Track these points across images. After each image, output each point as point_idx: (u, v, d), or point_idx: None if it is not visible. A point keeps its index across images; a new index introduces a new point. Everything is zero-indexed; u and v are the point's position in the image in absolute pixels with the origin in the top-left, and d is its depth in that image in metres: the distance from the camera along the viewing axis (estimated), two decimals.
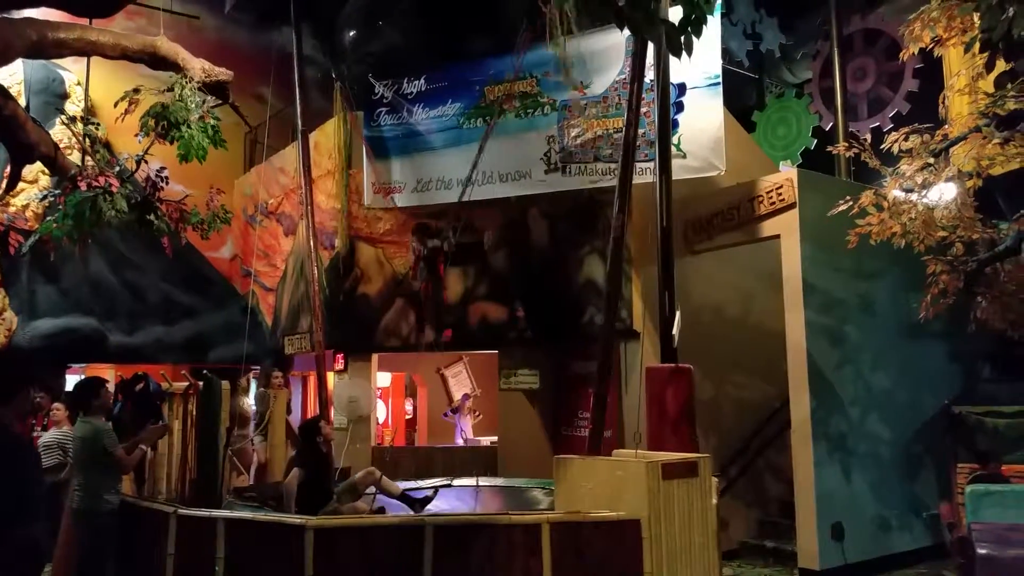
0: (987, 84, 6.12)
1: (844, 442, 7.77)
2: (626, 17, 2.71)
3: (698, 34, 2.90)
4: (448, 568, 4.59)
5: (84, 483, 5.32)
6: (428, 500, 6.64)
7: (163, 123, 6.78)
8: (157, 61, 7.21)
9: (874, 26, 11.43)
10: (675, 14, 4.85)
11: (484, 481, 8.04)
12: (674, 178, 7.23)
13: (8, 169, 7.86)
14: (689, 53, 2.93)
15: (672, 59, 7.07)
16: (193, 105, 6.98)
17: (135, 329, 11.33)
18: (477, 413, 11.76)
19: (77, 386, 5.74)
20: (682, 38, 2.82)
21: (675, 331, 6.62)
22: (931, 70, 9.80)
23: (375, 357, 10.26)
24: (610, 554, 4.66)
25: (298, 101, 9.12)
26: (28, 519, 2.82)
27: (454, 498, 7.62)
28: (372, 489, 6.78)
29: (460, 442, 11.10)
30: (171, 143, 7.09)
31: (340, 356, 10.16)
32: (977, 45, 3.40)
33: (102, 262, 11.27)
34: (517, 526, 4.69)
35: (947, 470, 8.17)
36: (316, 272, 8.89)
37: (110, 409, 5.95)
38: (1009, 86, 5.23)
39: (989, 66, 3.53)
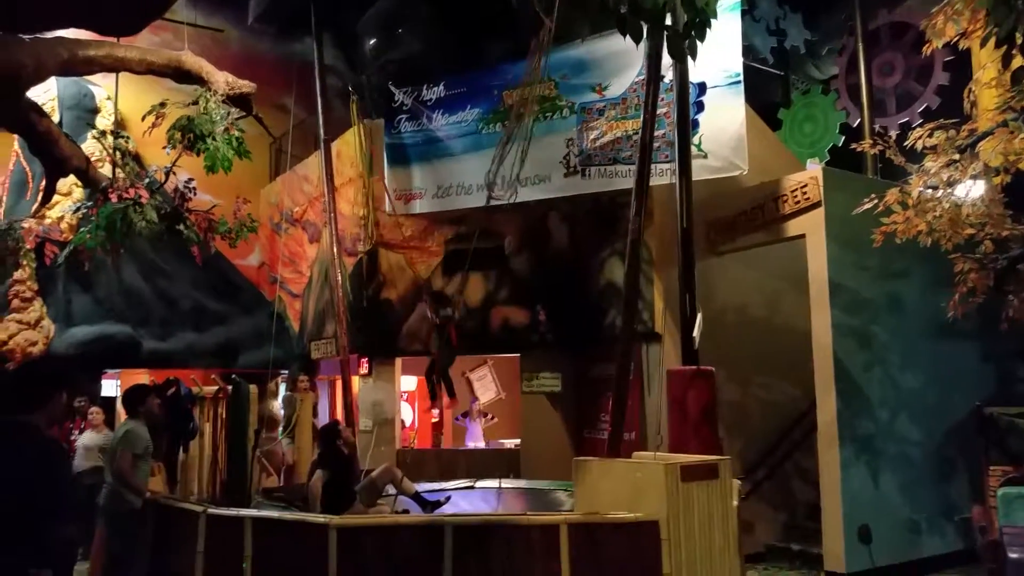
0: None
1: (872, 444, 7.66)
2: (628, 24, 2.71)
3: (701, 38, 2.89)
4: (467, 567, 4.63)
5: (111, 482, 5.52)
6: (439, 504, 6.71)
7: (189, 136, 6.94)
8: (182, 75, 7.39)
9: (901, 19, 11.24)
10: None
11: (507, 483, 8.08)
12: (695, 178, 7.20)
13: (44, 183, 8.11)
14: (693, 57, 2.92)
15: (691, 59, 7.08)
16: (218, 118, 7.13)
17: (167, 335, 11.54)
18: (490, 416, 11.74)
19: (125, 393, 5.95)
20: (686, 43, 2.81)
21: (696, 333, 6.60)
22: (962, 63, 9.60)
23: (399, 361, 10.35)
24: (628, 555, 4.67)
25: (320, 111, 9.25)
26: (60, 517, 2.95)
27: (478, 499, 7.68)
28: (391, 489, 6.88)
29: (471, 445, 11.12)
30: (197, 155, 7.25)
31: (364, 360, 10.27)
32: (993, 40, 3.35)
33: (135, 271, 11.51)
34: (535, 527, 4.73)
35: (979, 473, 8.00)
36: (340, 278, 9.00)
37: (154, 414, 6.11)
38: None
39: (1005, 62, 3.47)
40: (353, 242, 10.25)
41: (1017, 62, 3.70)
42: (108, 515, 5.56)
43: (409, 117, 9.85)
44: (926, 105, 11.01)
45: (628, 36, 2.75)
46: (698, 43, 2.90)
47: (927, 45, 6.17)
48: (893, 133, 8.66)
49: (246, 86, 7.43)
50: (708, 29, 2.87)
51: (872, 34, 10.98)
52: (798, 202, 7.91)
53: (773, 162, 8.98)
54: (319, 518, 5.06)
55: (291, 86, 10.20)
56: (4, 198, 11.53)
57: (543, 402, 9.80)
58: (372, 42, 10.74)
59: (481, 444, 11.30)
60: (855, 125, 11.61)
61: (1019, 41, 3.24)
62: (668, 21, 2.90)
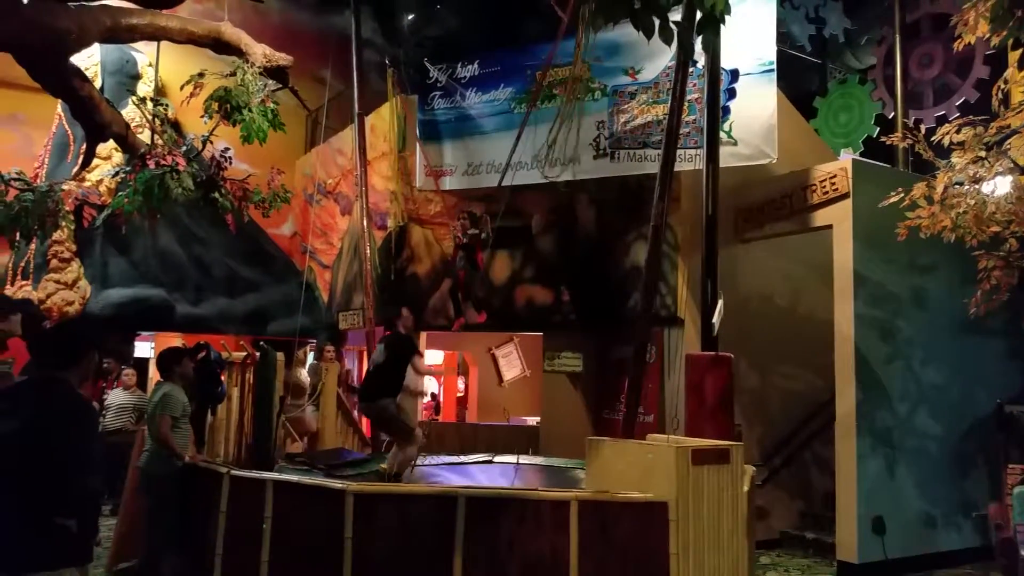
0: None
1: (890, 437, 7.66)
2: (639, 18, 2.72)
3: (716, 33, 2.91)
4: (479, 537, 4.75)
5: (153, 444, 5.67)
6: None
7: (226, 106, 7.06)
8: (221, 46, 7.49)
9: (942, 10, 11.00)
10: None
11: (524, 459, 8.22)
12: (724, 165, 7.21)
13: (84, 147, 8.31)
14: (707, 51, 2.93)
15: (725, 45, 7.04)
16: (254, 89, 7.23)
17: (200, 300, 11.82)
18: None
19: (161, 355, 6.06)
20: (700, 38, 2.82)
21: (715, 319, 6.63)
22: (1004, 57, 9.41)
23: (423, 335, 10.51)
24: (636, 534, 4.75)
25: (355, 84, 9.34)
26: (87, 471, 3.07)
27: (496, 473, 7.83)
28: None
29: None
30: (233, 125, 7.37)
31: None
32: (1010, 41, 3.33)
33: (171, 236, 11.78)
34: (546, 502, 4.83)
35: (998, 470, 7.98)
36: (369, 251, 9.14)
37: (190, 377, 6.28)
38: None
39: (1021, 64, 3.45)
40: (383, 216, 10.39)
41: None
42: (148, 477, 5.69)
43: (443, 94, 9.92)
44: (964, 99, 10.77)
45: (640, 31, 2.78)
46: (713, 37, 2.92)
47: (958, 41, 6.10)
48: (926, 127, 8.56)
49: (283, 59, 7.52)
50: (723, 25, 2.88)
51: (912, 25, 10.78)
52: (826, 192, 7.88)
53: (805, 151, 8.92)
54: (337, 483, 5.18)
55: (328, 58, 10.30)
56: (46, 160, 11.84)
57: (564, 381, 9.91)
58: (410, 17, 10.82)
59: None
60: (891, 117, 11.44)
61: None
62: (678, 16, 2.91)
